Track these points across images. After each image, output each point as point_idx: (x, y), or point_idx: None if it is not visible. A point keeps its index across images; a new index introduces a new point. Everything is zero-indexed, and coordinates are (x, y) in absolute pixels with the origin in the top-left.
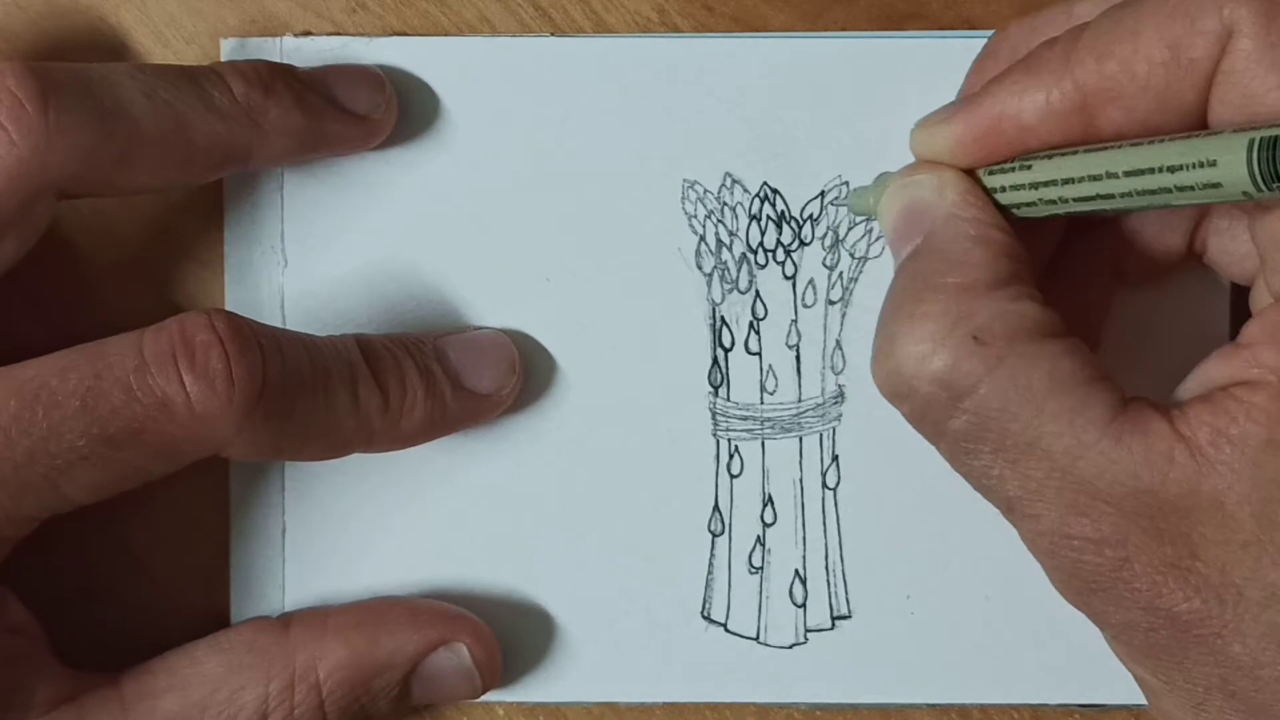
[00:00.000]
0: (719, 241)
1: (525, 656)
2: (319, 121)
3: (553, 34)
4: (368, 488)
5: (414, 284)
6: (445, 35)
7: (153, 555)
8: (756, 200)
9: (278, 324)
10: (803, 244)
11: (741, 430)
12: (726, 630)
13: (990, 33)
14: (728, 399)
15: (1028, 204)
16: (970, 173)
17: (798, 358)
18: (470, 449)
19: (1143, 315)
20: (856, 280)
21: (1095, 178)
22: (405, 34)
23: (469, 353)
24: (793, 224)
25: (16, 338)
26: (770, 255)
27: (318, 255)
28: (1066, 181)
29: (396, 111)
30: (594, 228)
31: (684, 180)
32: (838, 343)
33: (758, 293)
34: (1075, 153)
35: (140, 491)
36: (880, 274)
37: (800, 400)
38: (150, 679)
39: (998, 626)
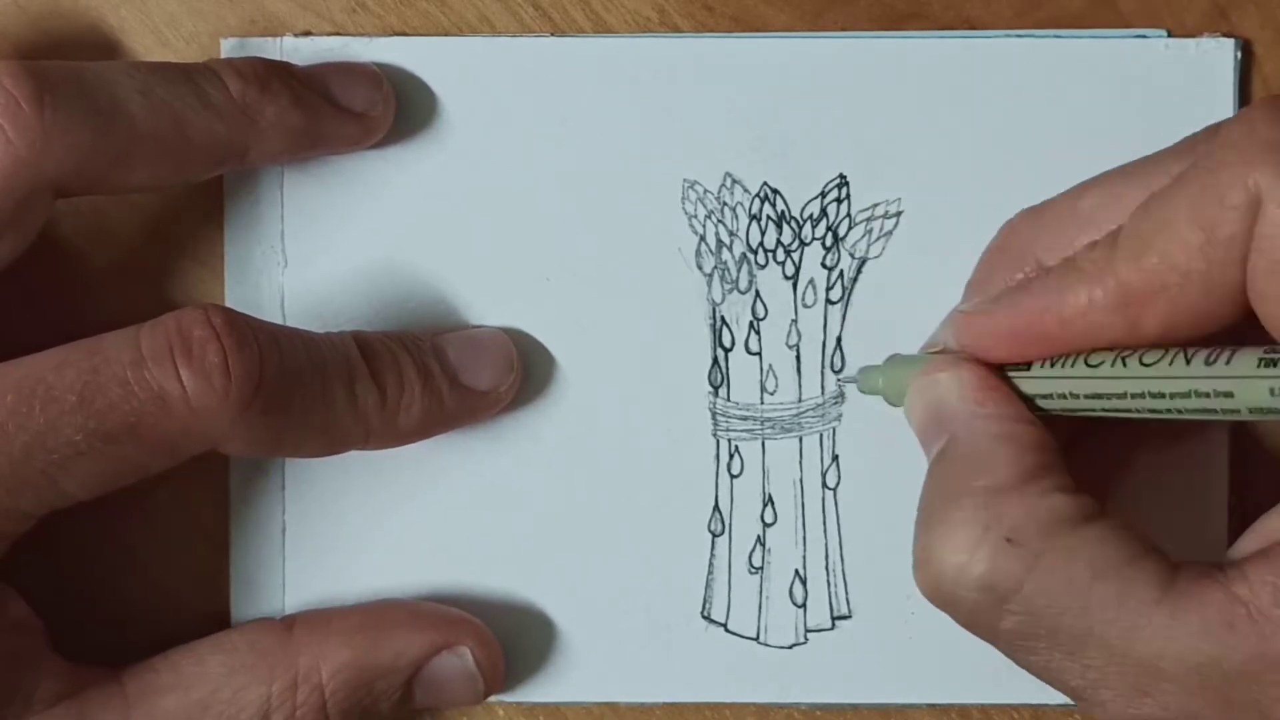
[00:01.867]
0: (719, 241)
1: (525, 656)
2: (316, 119)
3: (553, 34)
4: (368, 486)
5: (414, 283)
6: (445, 35)
7: (152, 553)
8: (756, 200)
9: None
10: (803, 244)
11: (741, 430)
12: (726, 630)
13: (991, 33)
14: (728, 399)
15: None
16: (999, 367)
17: (798, 358)
18: (470, 448)
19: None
20: (856, 280)
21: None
22: (405, 34)
23: (467, 350)
24: (793, 224)
25: (14, 337)
26: (770, 255)
27: (318, 254)
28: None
29: (394, 109)
30: (594, 228)
31: (684, 180)
32: (838, 343)
33: (758, 293)
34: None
35: (140, 489)
36: (880, 274)
37: (800, 400)
38: (153, 676)
39: None
